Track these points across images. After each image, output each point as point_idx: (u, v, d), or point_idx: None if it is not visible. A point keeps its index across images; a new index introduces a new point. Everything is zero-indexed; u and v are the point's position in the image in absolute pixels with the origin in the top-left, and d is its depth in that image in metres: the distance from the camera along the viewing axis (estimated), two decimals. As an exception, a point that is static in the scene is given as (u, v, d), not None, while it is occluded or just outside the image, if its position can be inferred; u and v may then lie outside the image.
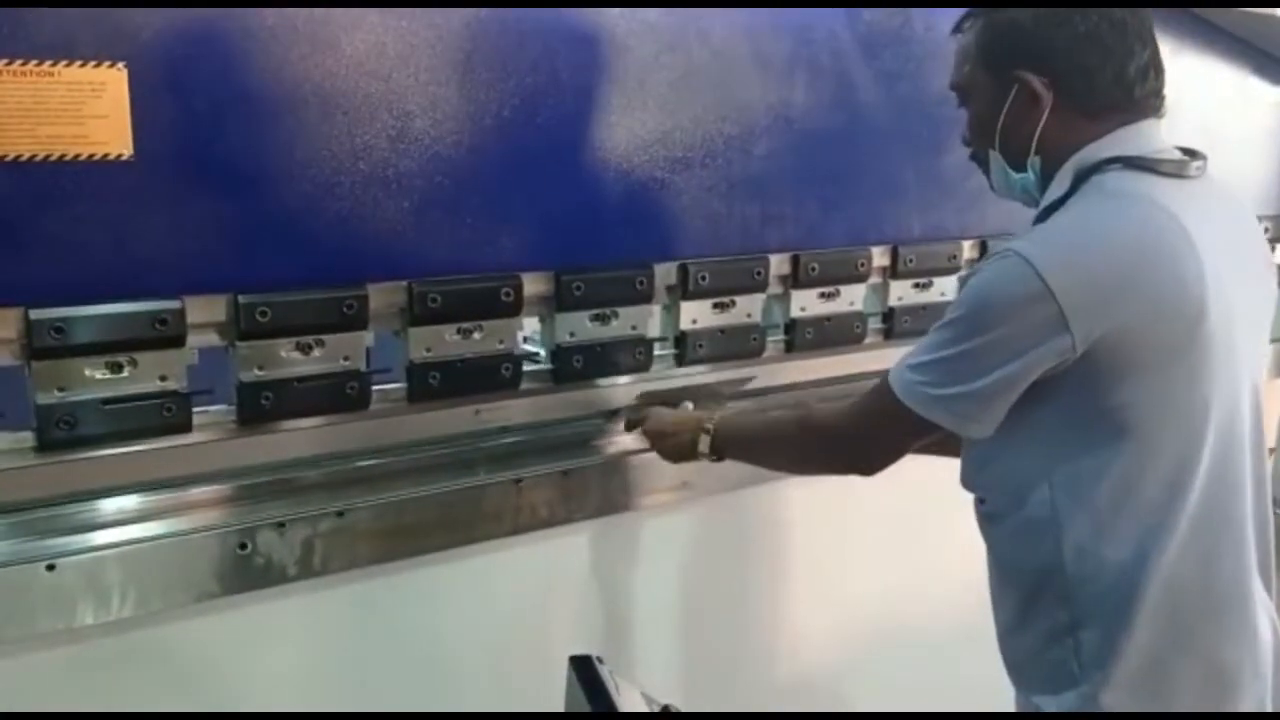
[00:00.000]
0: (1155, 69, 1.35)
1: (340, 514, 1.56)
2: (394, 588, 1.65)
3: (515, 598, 1.78)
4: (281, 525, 1.51)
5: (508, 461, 1.74)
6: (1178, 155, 1.35)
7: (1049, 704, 1.36)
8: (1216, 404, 1.32)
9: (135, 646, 1.47)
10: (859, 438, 1.45)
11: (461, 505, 1.67)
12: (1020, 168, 1.38)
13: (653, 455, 1.77)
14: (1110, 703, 1.32)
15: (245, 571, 1.50)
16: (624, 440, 1.85)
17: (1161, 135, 1.36)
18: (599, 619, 1.87)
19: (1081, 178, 1.31)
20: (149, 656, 1.48)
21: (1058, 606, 1.34)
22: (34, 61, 1.29)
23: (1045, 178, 1.36)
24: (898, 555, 2.23)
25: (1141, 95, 1.34)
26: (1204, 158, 1.36)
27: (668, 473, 1.82)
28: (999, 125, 1.36)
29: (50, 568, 1.37)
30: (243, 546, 1.49)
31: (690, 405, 1.84)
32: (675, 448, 1.68)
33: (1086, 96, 1.32)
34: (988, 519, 1.44)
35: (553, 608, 1.81)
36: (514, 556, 1.74)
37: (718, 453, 1.63)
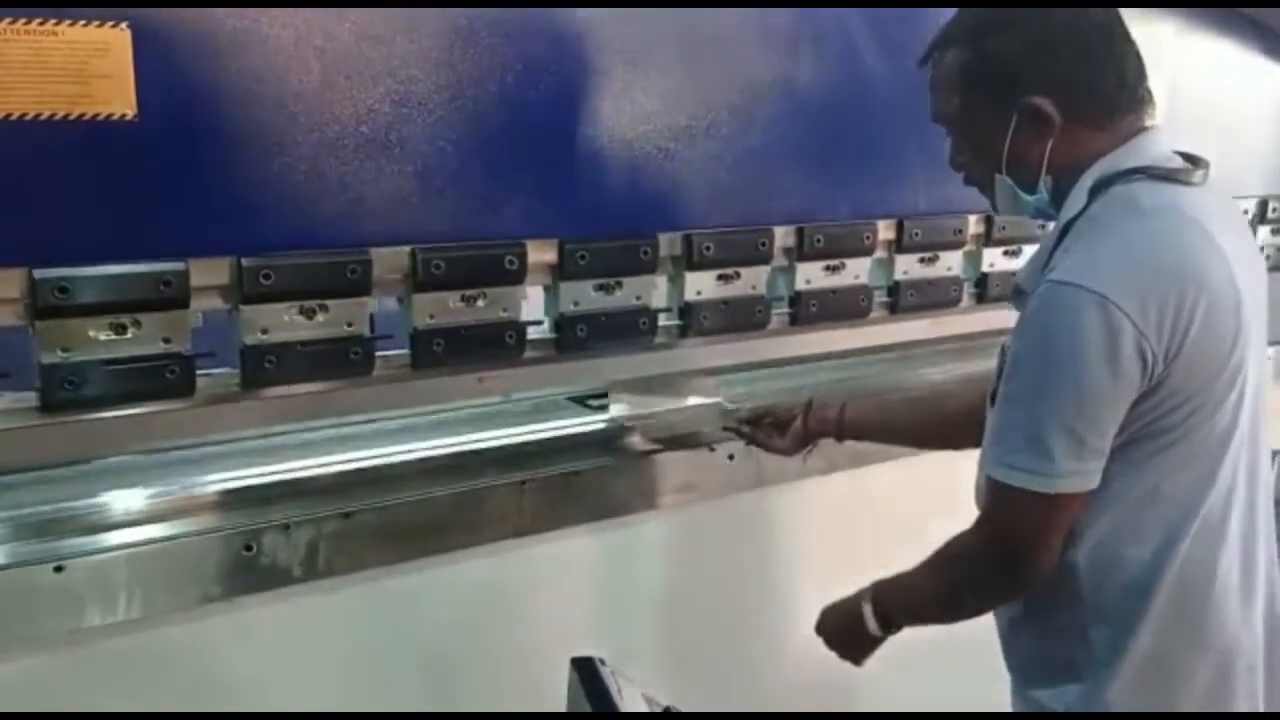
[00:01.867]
0: (1141, 63, 1.34)
1: (345, 516, 1.57)
2: (398, 589, 1.65)
3: (519, 600, 1.78)
4: (286, 527, 1.52)
5: (512, 463, 1.75)
6: (1183, 163, 1.35)
7: (1049, 699, 1.36)
8: (1246, 409, 1.33)
9: (142, 647, 1.47)
10: (1005, 555, 1.32)
11: (466, 507, 1.67)
12: (1032, 189, 1.35)
13: (656, 458, 1.80)
14: (1115, 698, 1.32)
15: (250, 573, 1.50)
16: (628, 442, 1.85)
17: (1165, 142, 1.35)
18: (603, 621, 1.86)
19: (1100, 188, 1.30)
20: (155, 657, 1.49)
21: (1070, 604, 1.34)
22: (37, 20, 1.29)
23: (1057, 194, 1.35)
24: (902, 557, 2.21)
25: (1143, 93, 1.34)
26: (1207, 164, 1.35)
27: (671, 475, 1.83)
28: (1005, 151, 1.33)
29: (58, 569, 1.38)
30: (248, 548, 1.50)
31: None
32: (849, 639, 1.55)
33: (1094, 109, 1.31)
34: None
35: (556, 609, 1.81)
36: (518, 558, 1.74)
37: (886, 626, 1.49)
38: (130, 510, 1.48)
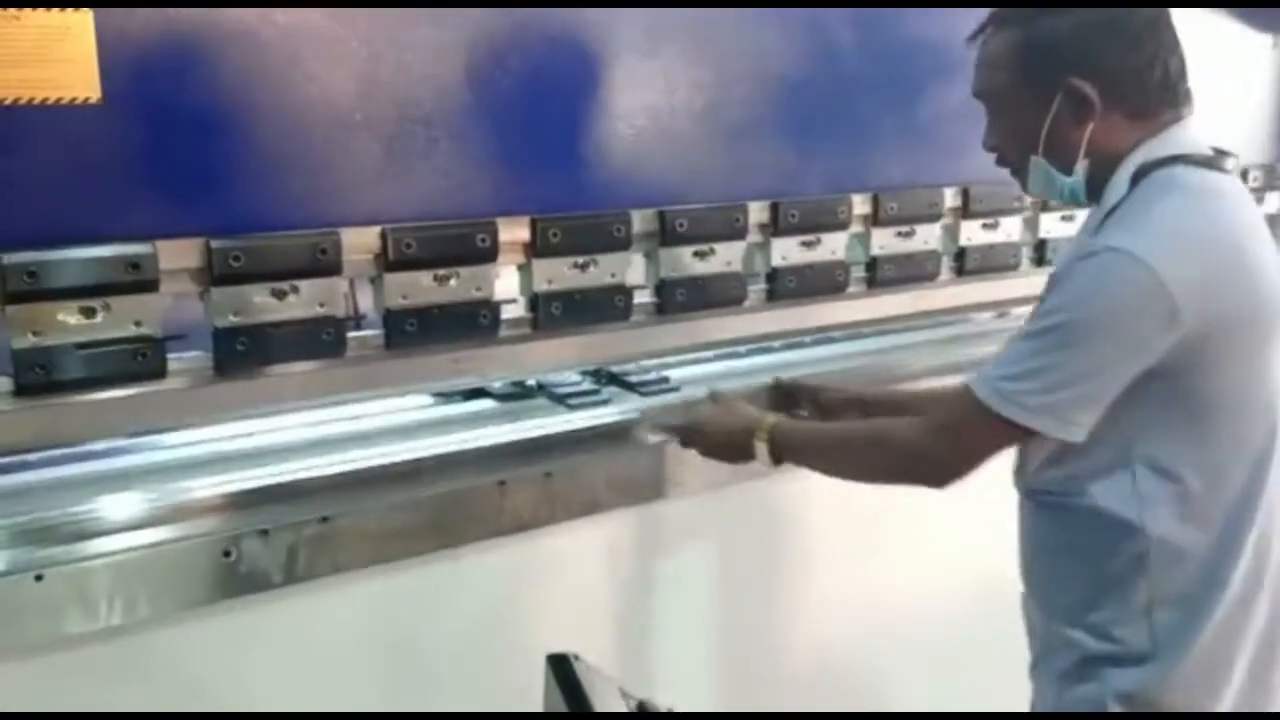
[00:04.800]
0: (1184, 61, 1.39)
1: (323, 520, 1.56)
2: (378, 591, 1.65)
3: (500, 599, 1.78)
4: (265, 533, 1.52)
5: (490, 464, 1.74)
6: (1214, 153, 1.39)
7: (1120, 679, 1.36)
8: None
9: (123, 654, 1.48)
10: (941, 451, 1.41)
11: (445, 509, 1.67)
12: (1069, 171, 1.39)
13: (633, 455, 1.80)
14: (1184, 677, 1.34)
15: (230, 579, 1.50)
16: (607, 442, 1.85)
17: (1198, 134, 1.39)
18: (583, 619, 1.86)
19: (1140, 176, 1.33)
20: (137, 664, 1.50)
21: (1138, 589, 1.35)
22: (-2, 5, 1.29)
23: (1092, 179, 1.38)
24: (889, 547, 2.21)
25: (1183, 90, 1.38)
26: (1235, 155, 1.40)
27: (650, 474, 1.83)
28: (1043, 132, 1.37)
29: (38, 578, 1.38)
30: (227, 554, 1.50)
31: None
32: (729, 449, 1.62)
33: (1138, 98, 1.35)
34: (1055, 509, 1.43)
35: (538, 608, 1.81)
36: (498, 558, 1.74)
37: (776, 457, 1.57)
38: (109, 518, 1.48)
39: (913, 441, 1.45)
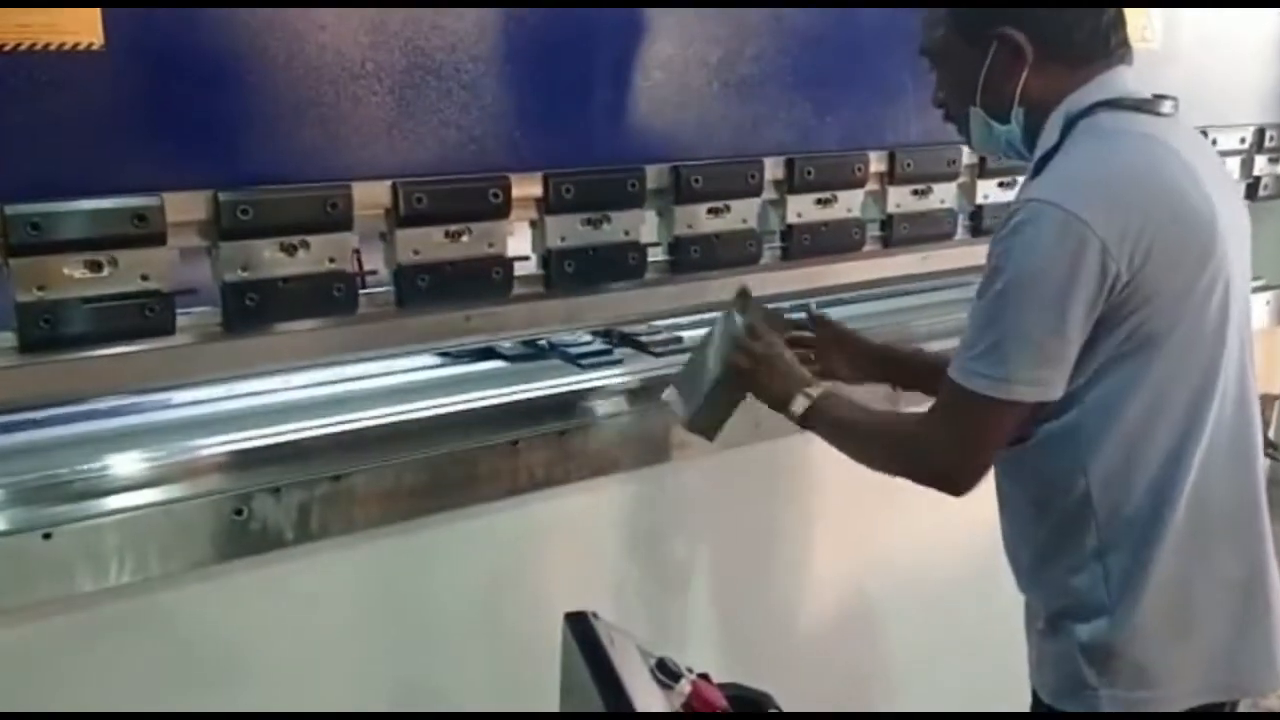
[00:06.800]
0: (1121, 21, 1.42)
1: (335, 479, 1.55)
2: (391, 550, 1.64)
3: (514, 558, 1.77)
4: (277, 491, 1.50)
5: (504, 423, 1.73)
6: (1150, 96, 1.41)
7: (1083, 631, 1.38)
8: (1233, 322, 1.37)
9: (133, 612, 1.46)
10: (948, 449, 1.37)
11: (458, 468, 1.65)
12: (1004, 120, 1.42)
13: (645, 417, 1.78)
14: (1141, 625, 1.36)
15: (241, 537, 1.49)
16: (620, 402, 1.84)
17: (1133, 80, 1.41)
18: (598, 578, 1.85)
19: (1071, 123, 1.36)
20: (147, 622, 1.48)
21: (1087, 534, 1.37)
22: (-3, -54, 1.25)
23: (1028, 129, 1.41)
24: (905, 506, 2.19)
25: (1115, 45, 1.40)
26: (1175, 99, 1.42)
27: (664, 434, 1.82)
28: (979, 82, 1.41)
29: (47, 536, 1.36)
30: (238, 512, 1.48)
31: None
32: (769, 392, 1.58)
33: (1066, 49, 1.38)
34: (1008, 461, 1.43)
35: (552, 568, 1.80)
36: (512, 517, 1.73)
37: (806, 423, 1.54)
38: (119, 475, 1.46)
39: (918, 435, 1.42)
